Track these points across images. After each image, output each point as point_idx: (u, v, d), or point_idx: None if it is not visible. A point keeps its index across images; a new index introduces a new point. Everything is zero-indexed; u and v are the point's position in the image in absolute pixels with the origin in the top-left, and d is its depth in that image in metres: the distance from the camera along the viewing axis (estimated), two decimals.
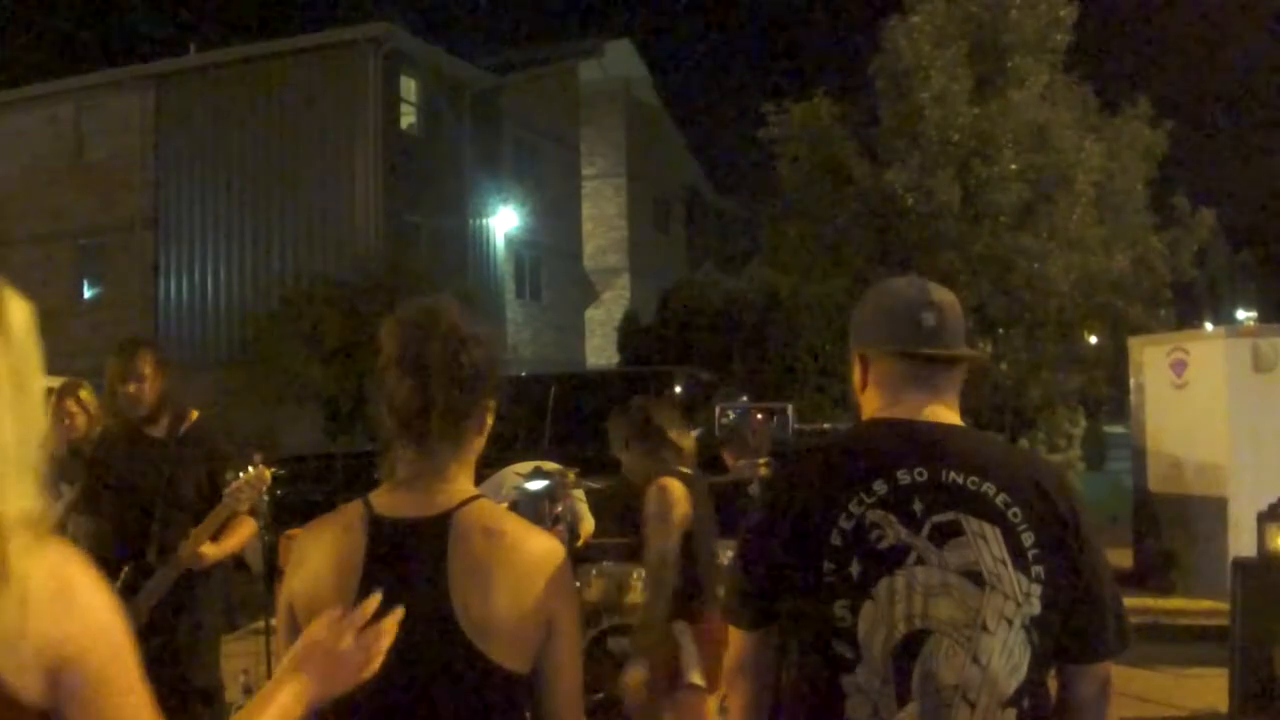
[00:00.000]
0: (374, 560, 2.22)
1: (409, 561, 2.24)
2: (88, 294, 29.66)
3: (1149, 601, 11.15)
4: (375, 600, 2.06)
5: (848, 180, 20.62)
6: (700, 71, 76.85)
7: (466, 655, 2.20)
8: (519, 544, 2.30)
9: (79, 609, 1.69)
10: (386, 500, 2.31)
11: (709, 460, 8.64)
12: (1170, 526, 12.11)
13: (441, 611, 2.20)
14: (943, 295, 2.56)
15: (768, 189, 23.52)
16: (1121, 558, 12.20)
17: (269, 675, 6.91)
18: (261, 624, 7.64)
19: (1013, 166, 19.19)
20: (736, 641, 2.50)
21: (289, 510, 8.18)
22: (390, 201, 26.62)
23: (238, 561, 8.06)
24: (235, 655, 7.28)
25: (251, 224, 27.09)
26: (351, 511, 2.31)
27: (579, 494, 7.59)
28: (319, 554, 2.29)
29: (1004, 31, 20.22)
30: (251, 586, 9.93)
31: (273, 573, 7.88)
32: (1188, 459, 11.94)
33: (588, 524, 7.60)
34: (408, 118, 28.59)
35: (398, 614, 2.06)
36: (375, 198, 26.50)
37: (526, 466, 7.52)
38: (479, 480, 6.58)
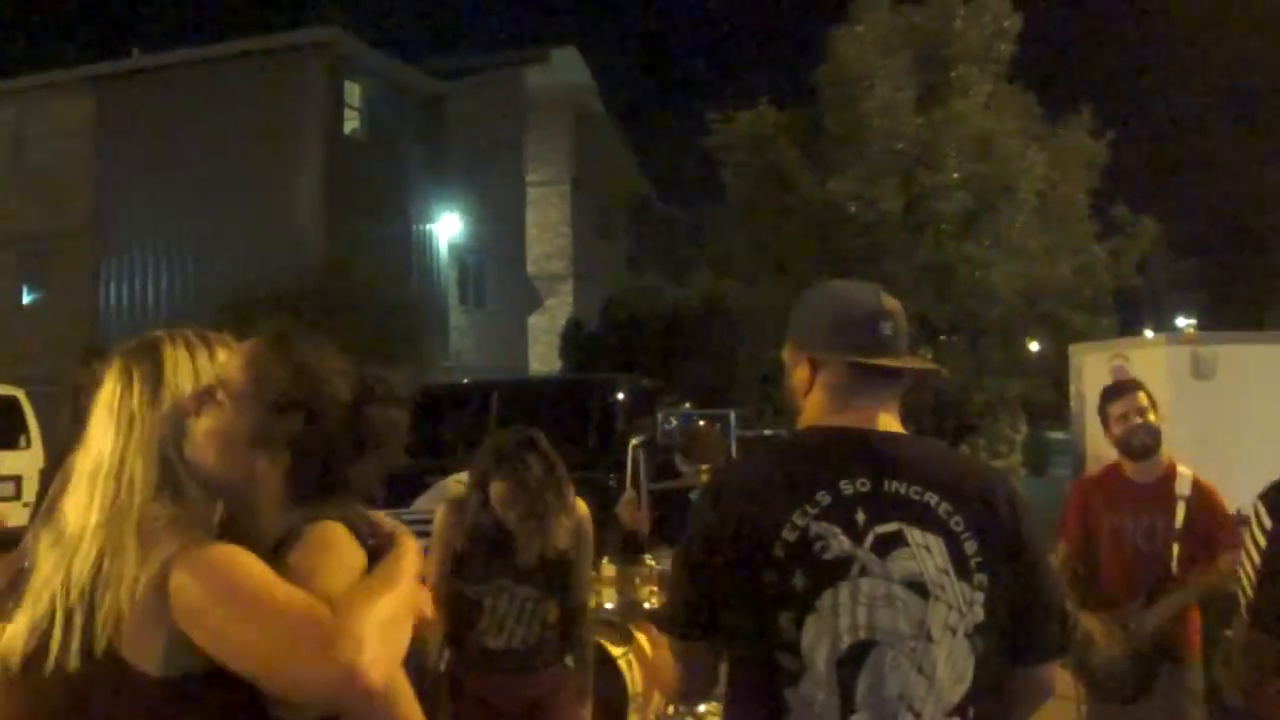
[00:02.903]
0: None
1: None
2: (27, 299, 29.32)
3: None
4: None
5: (792, 189, 20.71)
6: (647, 79, 76.95)
7: None
8: None
9: None
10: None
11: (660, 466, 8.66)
12: None
13: None
14: (893, 303, 2.56)
15: (713, 197, 23.63)
16: None
17: None
18: None
19: (956, 175, 19.34)
20: (673, 651, 2.48)
21: None
22: (333, 207, 26.44)
23: None
24: None
25: (194, 229, 26.81)
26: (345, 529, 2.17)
27: None
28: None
29: (949, 42, 20.39)
30: None
31: None
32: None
33: None
34: (351, 123, 28.41)
35: None
36: (318, 203, 26.32)
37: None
38: (420, 490, 6.43)
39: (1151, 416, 5.19)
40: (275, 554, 2.02)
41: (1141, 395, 5.23)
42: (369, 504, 2.27)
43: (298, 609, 1.87)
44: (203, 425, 2.10)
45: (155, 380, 2.13)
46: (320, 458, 2.13)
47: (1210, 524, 5.07)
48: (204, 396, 2.12)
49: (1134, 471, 5.28)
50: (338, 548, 2.09)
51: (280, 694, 1.90)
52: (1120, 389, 5.38)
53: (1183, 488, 5.13)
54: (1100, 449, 12.56)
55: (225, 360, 2.19)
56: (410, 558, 2.13)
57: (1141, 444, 5.18)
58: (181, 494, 2.06)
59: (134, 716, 1.92)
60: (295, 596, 1.89)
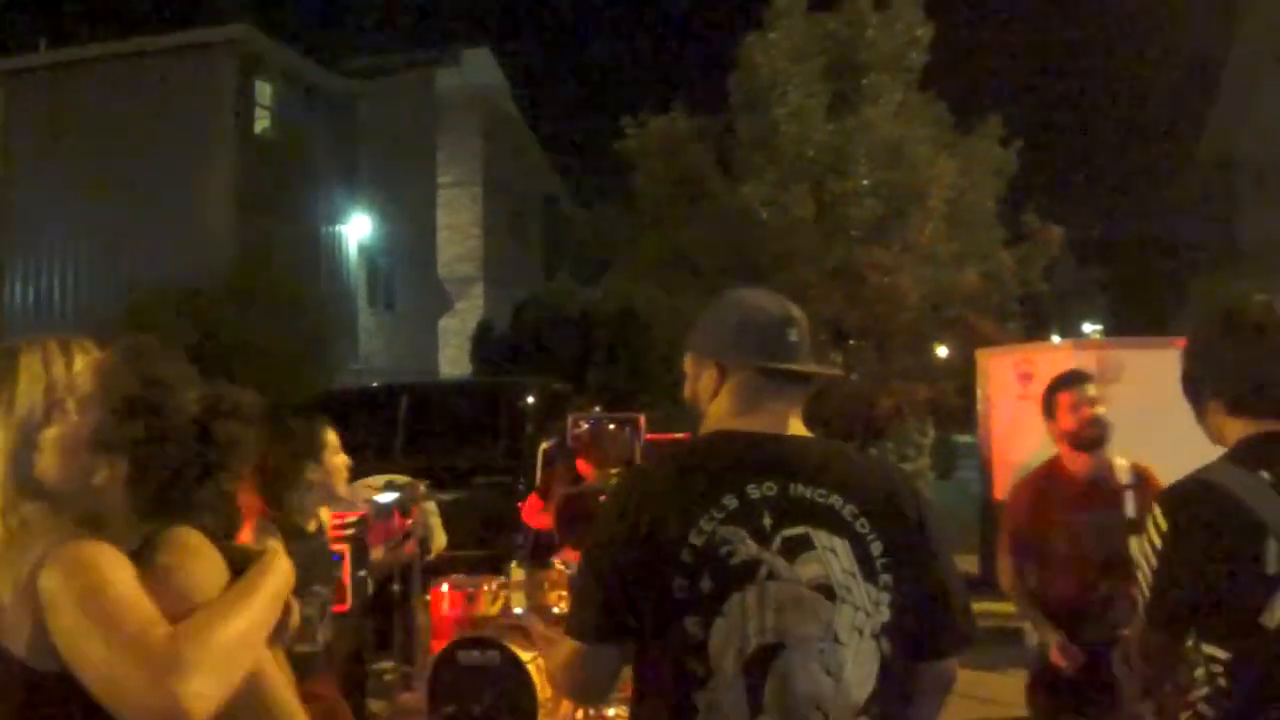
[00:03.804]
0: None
1: None
2: None
3: (995, 606, 11.24)
4: None
5: (704, 194, 20.78)
6: (559, 82, 76.75)
7: None
8: None
9: None
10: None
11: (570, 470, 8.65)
12: None
13: None
14: (797, 311, 2.62)
15: (625, 201, 23.61)
16: (969, 564, 12.37)
17: None
18: None
19: (866, 182, 19.51)
20: (578, 656, 2.48)
21: None
22: (243, 207, 26.15)
23: None
24: None
25: (102, 227, 26.34)
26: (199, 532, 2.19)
27: (430, 507, 7.49)
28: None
29: (861, 49, 20.54)
30: None
31: None
32: (1033, 468, 12.13)
33: (439, 537, 7.51)
34: (262, 122, 28.13)
35: None
36: (228, 203, 26.03)
37: (378, 480, 7.42)
38: None
39: (1100, 408, 5.07)
40: (137, 561, 2.02)
41: (1091, 386, 5.13)
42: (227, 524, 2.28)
43: (139, 627, 1.87)
44: (50, 434, 2.10)
45: (10, 390, 2.13)
46: (160, 469, 2.11)
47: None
48: (53, 407, 2.12)
49: (1078, 466, 5.13)
50: (201, 551, 2.10)
51: (112, 708, 1.88)
52: (1071, 378, 5.24)
53: (1124, 477, 5.02)
54: (1006, 453, 12.75)
55: (81, 369, 2.18)
56: (275, 574, 2.13)
57: (1093, 436, 5.04)
58: (45, 500, 2.06)
59: (12, 705, 1.93)
60: (141, 614, 1.90)
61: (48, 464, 2.08)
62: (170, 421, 2.12)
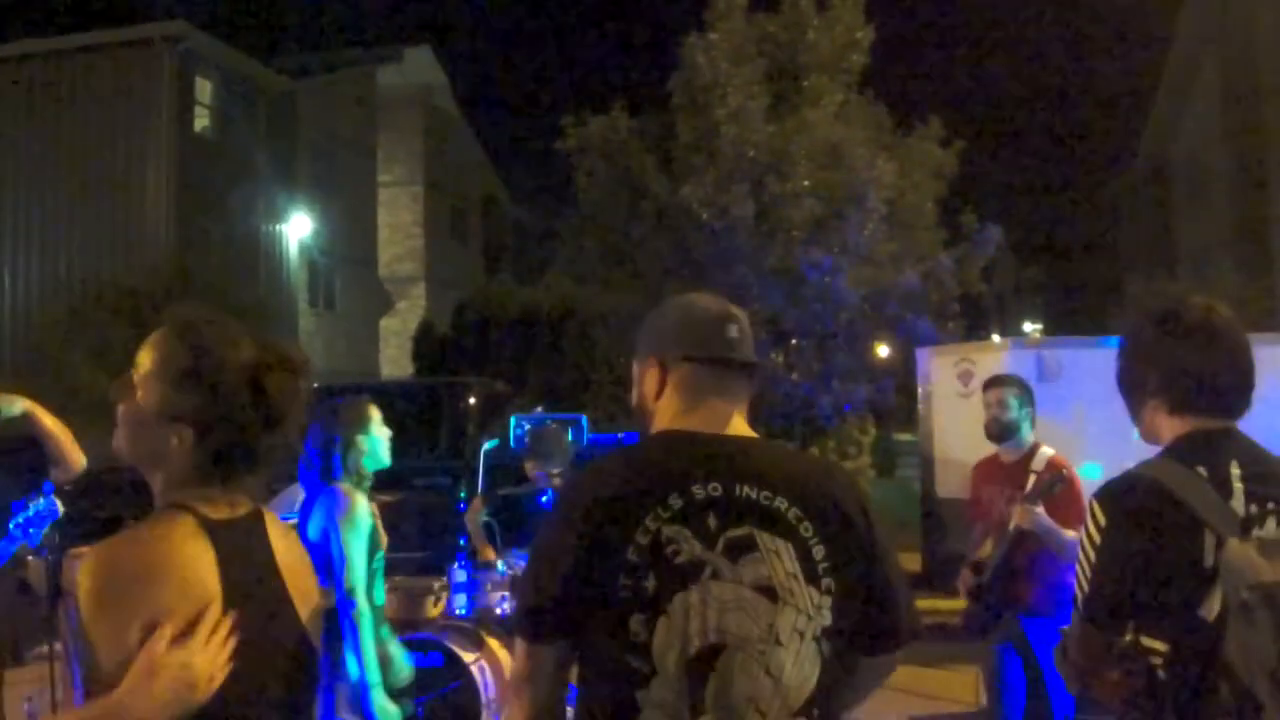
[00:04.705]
0: (225, 563, 2.18)
1: (248, 558, 2.27)
2: None
3: (938, 603, 11.35)
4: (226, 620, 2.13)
5: (644, 194, 20.80)
6: (500, 81, 76.63)
7: (302, 639, 2.33)
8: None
9: None
10: (207, 507, 2.24)
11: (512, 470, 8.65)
12: (957, 530, 12.34)
13: (284, 599, 2.31)
14: (739, 311, 2.66)
15: (565, 200, 23.64)
16: (911, 561, 12.45)
17: (53, 701, 6.60)
18: (46, 649, 7.31)
19: (806, 183, 19.57)
20: (523, 655, 2.49)
21: (74, 528, 7.84)
22: (182, 206, 25.91)
23: (21, 584, 7.72)
24: (19, 683, 6.97)
25: (39, 227, 26.05)
26: (183, 521, 2.19)
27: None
28: (178, 566, 2.13)
29: (801, 51, 20.66)
30: (35, 609, 9.50)
31: (58, 595, 7.55)
32: (974, 465, 12.21)
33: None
34: (202, 120, 27.83)
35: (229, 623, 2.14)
36: (167, 202, 25.78)
37: None
38: (270, 497, 6.40)
39: (1010, 410, 6.11)
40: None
41: (1003, 390, 6.16)
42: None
43: None
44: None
45: None
46: (223, 430, 2.24)
47: (1059, 494, 5.70)
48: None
49: (1003, 453, 6.21)
50: (139, 541, 2.17)
51: None
52: (991, 381, 6.35)
53: (1038, 464, 5.94)
54: (946, 451, 12.83)
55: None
56: (145, 692, 2.02)
57: (993, 432, 6.16)
58: None
59: None
60: None
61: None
62: (223, 384, 2.24)
